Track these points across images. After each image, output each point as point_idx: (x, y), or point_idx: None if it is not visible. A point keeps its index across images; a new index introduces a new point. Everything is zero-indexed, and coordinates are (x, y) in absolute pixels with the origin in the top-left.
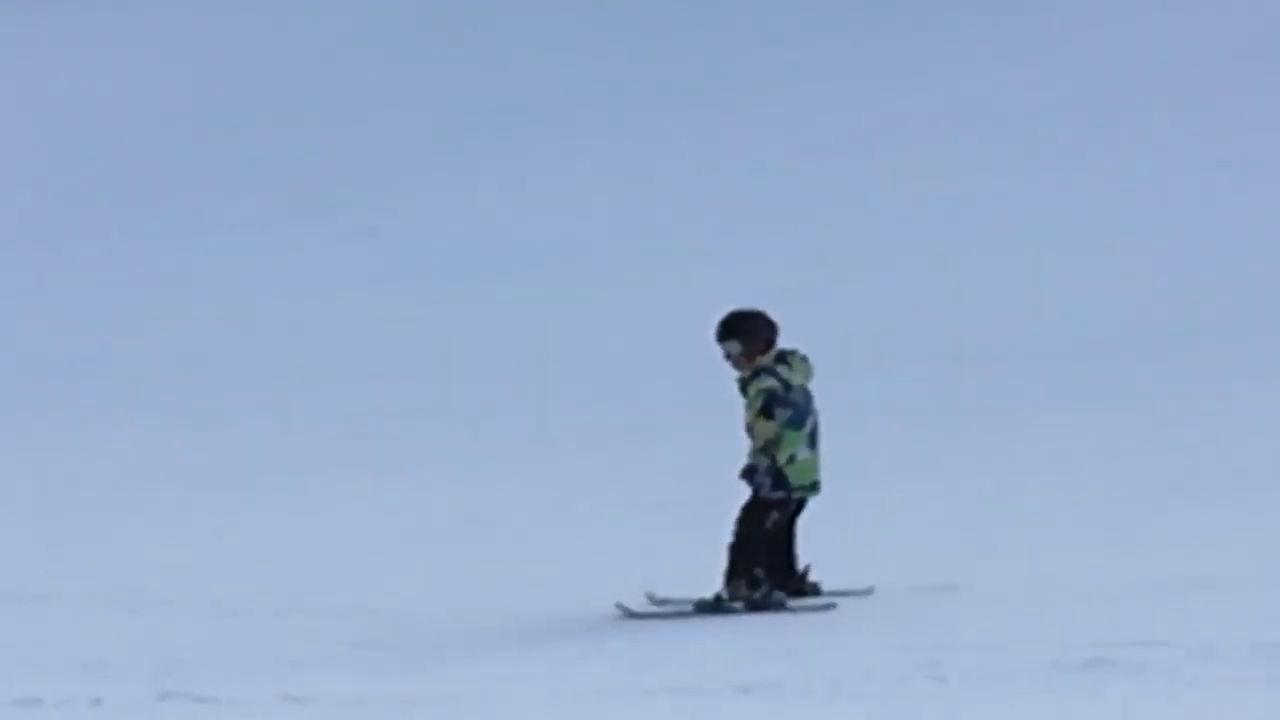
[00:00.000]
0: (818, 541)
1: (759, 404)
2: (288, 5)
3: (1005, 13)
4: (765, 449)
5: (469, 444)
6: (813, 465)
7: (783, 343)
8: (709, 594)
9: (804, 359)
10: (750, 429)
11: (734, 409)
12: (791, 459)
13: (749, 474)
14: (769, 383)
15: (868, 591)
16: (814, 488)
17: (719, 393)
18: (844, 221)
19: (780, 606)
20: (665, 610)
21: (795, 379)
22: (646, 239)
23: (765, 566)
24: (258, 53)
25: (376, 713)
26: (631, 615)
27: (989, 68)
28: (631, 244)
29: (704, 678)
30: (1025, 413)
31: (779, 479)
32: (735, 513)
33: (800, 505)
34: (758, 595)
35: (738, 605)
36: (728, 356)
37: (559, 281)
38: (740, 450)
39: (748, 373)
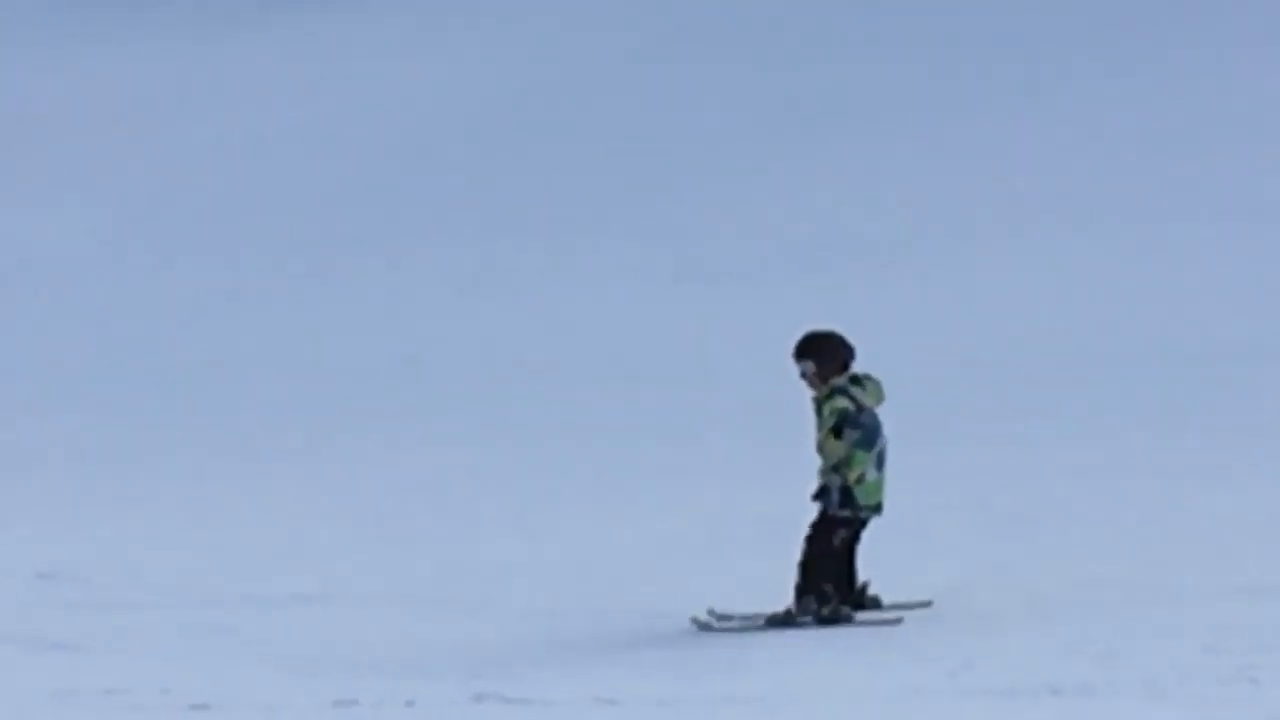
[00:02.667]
0: (1141, 541)
1: (831, 423)
2: (587, 18)
3: None
4: (836, 468)
5: (775, 445)
6: (879, 486)
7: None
8: (780, 608)
9: (877, 383)
10: (821, 448)
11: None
12: (860, 479)
13: (822, 494)
14: (843, 403)
15: (927, 604)
16: (878, 509)
17: (1027, 391)
18: (1157, 217)
19: (848, 621)
20: (733, 626)
21: (867, 401)
22: (934, 238)
23: (833, 582)
24: (557, 62)
25: (688, 714)
26: (705, 628)
27: None
28: (921, 243)
29: (1017, 678)
30: None
31: (847, 497)
32: (804, 531)
33: (863, 524)
34: (826, 610)
35: (807, 620)
36: (803, 375)
37: (854, 280)
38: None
39: (823, 393)
